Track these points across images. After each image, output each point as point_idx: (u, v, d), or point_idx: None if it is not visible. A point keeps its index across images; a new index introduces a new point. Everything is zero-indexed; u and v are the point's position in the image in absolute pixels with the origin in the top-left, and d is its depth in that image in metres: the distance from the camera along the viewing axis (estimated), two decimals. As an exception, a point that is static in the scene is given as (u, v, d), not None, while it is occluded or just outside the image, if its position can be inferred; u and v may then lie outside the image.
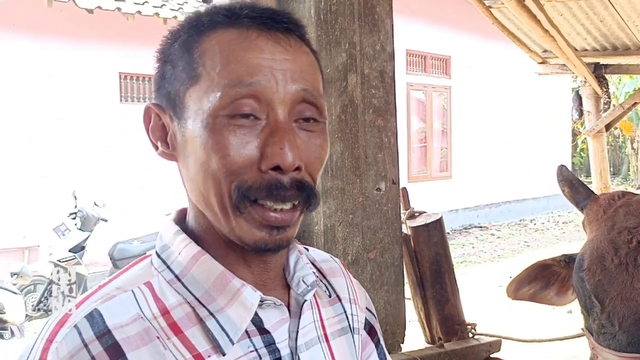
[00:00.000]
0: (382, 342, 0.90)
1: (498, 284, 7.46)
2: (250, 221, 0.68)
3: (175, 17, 7.91)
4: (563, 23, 4.09)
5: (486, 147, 12.48)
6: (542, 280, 1.42)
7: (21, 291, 5.74)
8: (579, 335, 2.36)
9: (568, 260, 1.39)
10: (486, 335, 2.19)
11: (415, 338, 2.23)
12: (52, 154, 7.53)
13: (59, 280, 6.21)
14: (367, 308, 0.89)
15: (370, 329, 0.88)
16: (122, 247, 6.43)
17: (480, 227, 12.01)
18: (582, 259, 1.24)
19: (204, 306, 0.69)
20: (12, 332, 4.82)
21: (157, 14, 7.78)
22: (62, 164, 7.58)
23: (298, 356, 0.74)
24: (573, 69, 4.50)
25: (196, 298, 0.69)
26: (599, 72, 4.67)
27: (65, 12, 7.35)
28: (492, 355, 2.13)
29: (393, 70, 1.99)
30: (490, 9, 4.08)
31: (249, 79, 0.66)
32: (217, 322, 0.68)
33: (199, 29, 0.71)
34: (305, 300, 0.76)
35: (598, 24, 4.13)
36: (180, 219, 0.77)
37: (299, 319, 0.75)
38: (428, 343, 2.18)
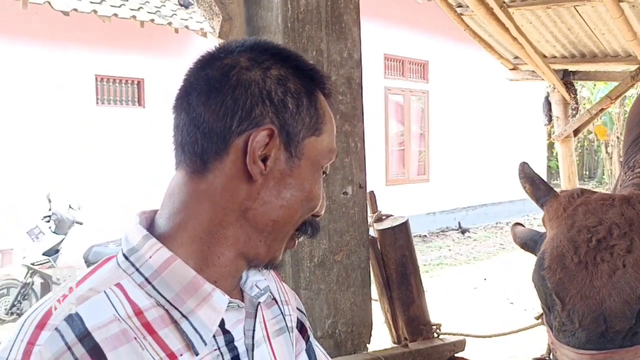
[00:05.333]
0: (312, 338, 0.98)
1: (473, 286, 7.56)
2: (284, 246, 0.83)
3: (152, 20, 7.88)
4: (532, 30, 4.18)
5: (463, 150, 12.61)
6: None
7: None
8: (533, 326, 2.51)
9: None
10: (451, 334, 2.24)
11: (382, 338, 2.28)
12: (26, 156, 7.44)
13: (32, 284, 6.15)
14: (297, 308, 0.97)
15: (301, 327, 0.96)
16: (98, 250, 6.38)
17: (457, 229, 12.14)
18: (542, 257, 1.26)
19: (176, 308, 0.74)
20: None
21: (134, 16, 7.74)
22: (36, 167, 7.50)
23: (253, 353, 0.81)
24: (542, 75, 4.61)
25: (167, 300, 0.74)
26: (567, 79, 4.77)
27: (40, 14, 7.29)
28: (456, 355, 2.19)
29: (360, 77, 2.04)
30: (462, 16, 4.16)
31: (335, 151, 0.85)
32: (191, 324, 0.74)
33: (313, 81, 0.82)
34: (260, 303, 0.84)
35: (566, 32, 4.23)
36: (144, 222, 0.81)
37: (255, 319, 0.83)
38: (394, 343, 2.23)
